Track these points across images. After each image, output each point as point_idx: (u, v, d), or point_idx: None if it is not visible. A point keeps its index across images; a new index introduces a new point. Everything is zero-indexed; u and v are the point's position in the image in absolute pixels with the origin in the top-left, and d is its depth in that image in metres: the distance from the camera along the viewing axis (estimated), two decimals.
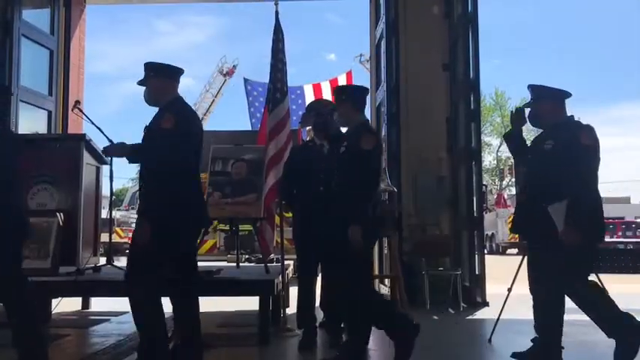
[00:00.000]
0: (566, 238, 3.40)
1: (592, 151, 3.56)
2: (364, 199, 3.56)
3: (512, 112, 4.07)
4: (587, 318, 3.61)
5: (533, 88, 3.85)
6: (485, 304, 6.28)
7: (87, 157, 5.38)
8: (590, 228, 3.48)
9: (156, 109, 3.59)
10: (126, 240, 21.64)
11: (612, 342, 3.59)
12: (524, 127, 4.00)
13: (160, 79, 3.58)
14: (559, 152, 3.58)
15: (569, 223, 3.40)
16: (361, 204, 3.53)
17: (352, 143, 3.64)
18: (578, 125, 3.70)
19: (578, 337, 4.42)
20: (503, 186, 33.79)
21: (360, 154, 3.56)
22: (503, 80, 60.05)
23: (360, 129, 3.72)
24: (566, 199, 3.43)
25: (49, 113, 7.57)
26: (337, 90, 4.33)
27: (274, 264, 5.45)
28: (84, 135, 5.56)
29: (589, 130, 3.65)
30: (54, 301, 5.51)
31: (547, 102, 3.76)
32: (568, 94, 3.83)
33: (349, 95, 3.88)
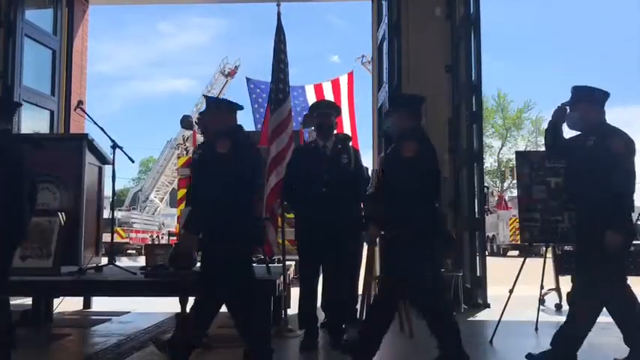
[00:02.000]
0: None
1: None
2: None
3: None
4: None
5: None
6: (487, 305, 6.27)
7: (89, 157, 5.40)
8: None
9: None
10: (127, 240, 21.61)
11: (614, 344, 3.58)
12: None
13: None
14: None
15: None
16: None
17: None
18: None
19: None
20: (505, 188, 33.77)
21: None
22: (505, 82, 60.01)
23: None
24: None
25: (52, 113, 7.59)
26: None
27: (276, 264, 5.44)
28: (86, 135, 5.57)
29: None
30: (56, 301, 5.53)
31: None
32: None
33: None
